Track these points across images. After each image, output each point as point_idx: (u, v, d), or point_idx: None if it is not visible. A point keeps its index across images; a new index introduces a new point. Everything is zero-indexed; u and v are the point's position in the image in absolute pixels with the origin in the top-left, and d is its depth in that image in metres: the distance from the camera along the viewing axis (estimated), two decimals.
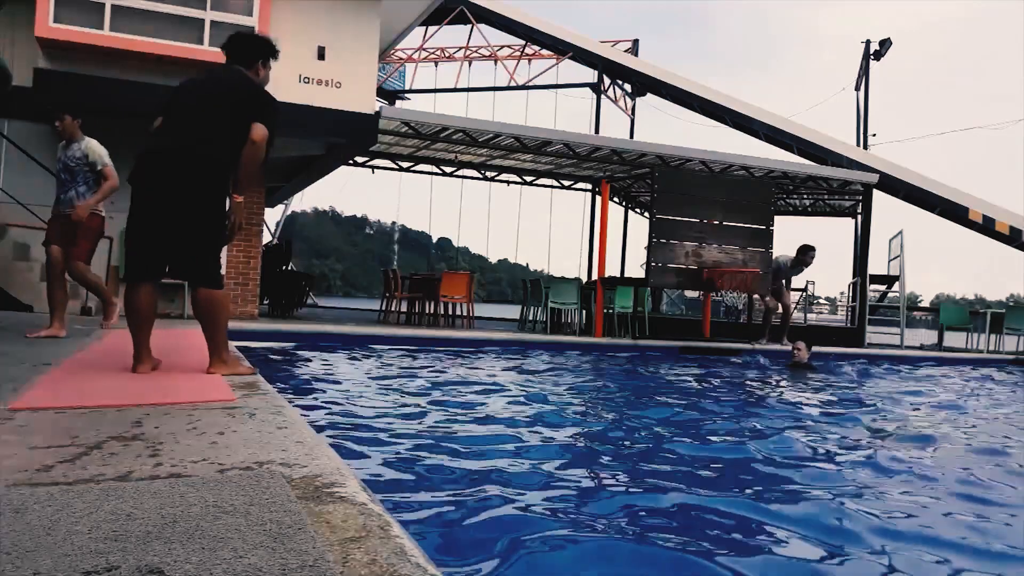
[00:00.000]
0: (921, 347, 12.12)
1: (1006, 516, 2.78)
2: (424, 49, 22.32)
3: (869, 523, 2.59)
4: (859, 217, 13.97)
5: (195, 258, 3.36)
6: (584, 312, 11.43)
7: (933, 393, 6.94)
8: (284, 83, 8.18)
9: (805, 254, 10.59)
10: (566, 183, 15.23)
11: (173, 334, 5.28)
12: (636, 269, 15.21)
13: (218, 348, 3.46)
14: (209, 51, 7.44)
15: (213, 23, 7.63)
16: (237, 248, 8.78)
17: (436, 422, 3.98)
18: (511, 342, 8.97)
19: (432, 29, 21.05)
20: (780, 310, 10.95)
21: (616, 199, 15.55)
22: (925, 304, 28.69)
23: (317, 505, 1.50)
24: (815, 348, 8.73)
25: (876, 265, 12.92)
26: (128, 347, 3.44)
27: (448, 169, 14.25)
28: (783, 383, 7.09)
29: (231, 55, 3.57)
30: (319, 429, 3.28)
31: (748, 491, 2.96)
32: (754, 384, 6.88)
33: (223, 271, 3.66)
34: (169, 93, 3.56)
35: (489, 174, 14.64)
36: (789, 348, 8.75)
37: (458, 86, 21.96)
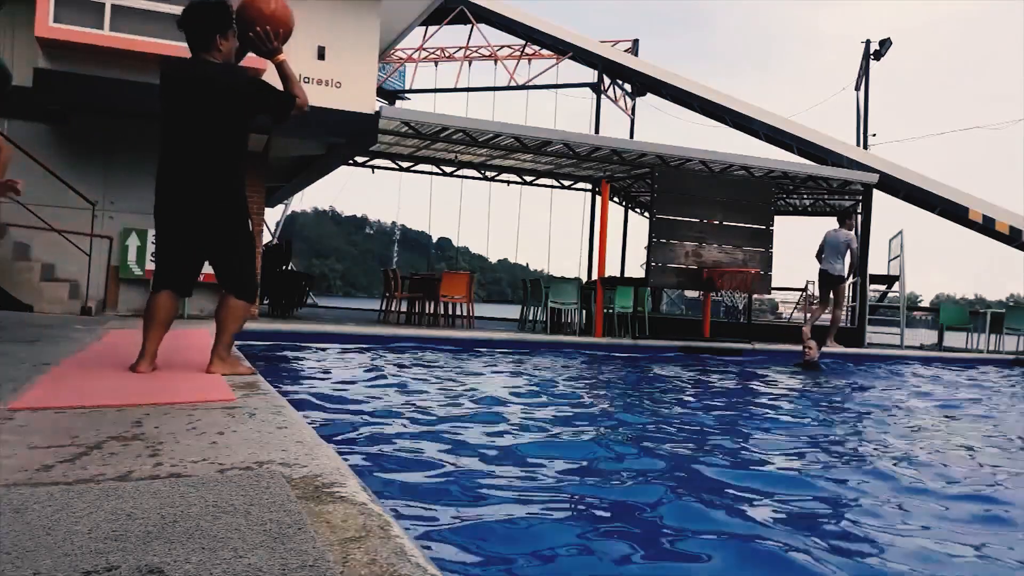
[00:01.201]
0: (921, 347, 12.12)
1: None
2: (424, 49, 22.33)
3: (876, 525, 2.59)
4: (859, 217, 13.97)
5: (232, 274, 3.45)
6: (584, 312, 11.43)
7: (933, 393, 6.93)
8: None
9: (851, 217, 10.50)
10: (566, 183, 15.23)
11: (173, 334, 5.26)
12: (636, 269, 15.22)
13: (221, 347, 3.49)
14: None
15: None
16: None
17: (436, 422, 3.98)
18: (511, 342, 8.97)
19: (432, 29, 21.06)
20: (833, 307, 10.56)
21: (616, 199, 15.55)
22: (925, 304, 28.67)
23: (317, 505, 1.50)
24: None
25: (876, 265, 12.93)
26: (128, 347, 3.44)
27: (448, 169, 14.25)
28: (791, 384, 7.08)
29: (190, 44, 3.41)
30: (319, 429, 3.28)
31: (749, 490, 2.96)
32: (758, 384, 6.88)
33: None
34: (161, 99, 3.41)
35: (489, 174, 14.64)
36: (799, 348, 8.69)
37: (458, 86, 21.97)
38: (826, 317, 10.62)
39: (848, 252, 10.25)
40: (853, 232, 10.35)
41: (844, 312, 10.75)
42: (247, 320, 3.57)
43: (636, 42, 21.33)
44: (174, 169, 3.34)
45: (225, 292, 3.46)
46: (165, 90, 3.38)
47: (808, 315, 10.63)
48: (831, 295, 10.42)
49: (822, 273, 10.43)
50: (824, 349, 9.90)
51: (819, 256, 10.50)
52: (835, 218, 10.64)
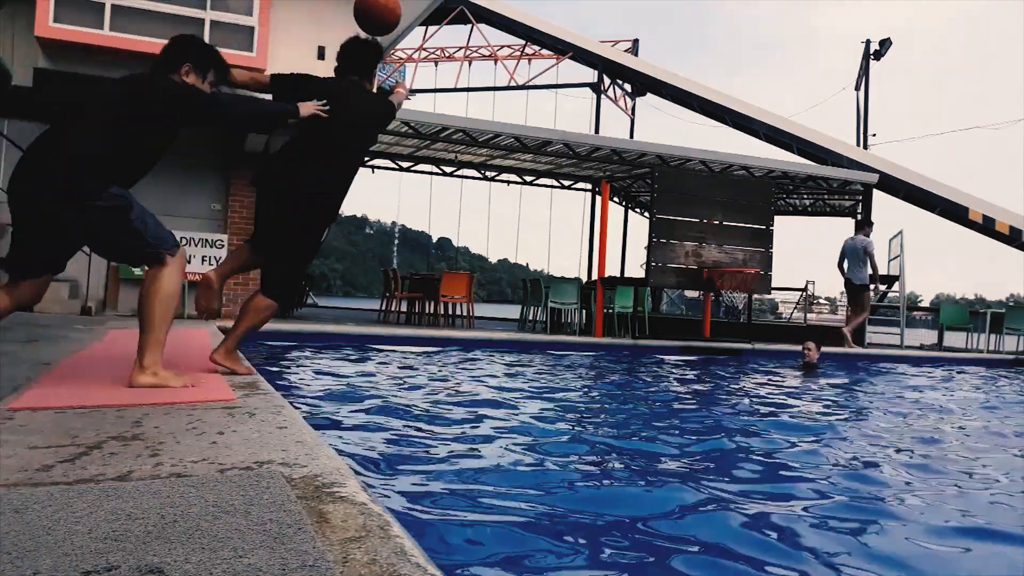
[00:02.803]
0: (921, 347, 12.11)
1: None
2: (424, 49, 22.34)
3: (875, 526, 2.59)
4: (859, 217, 13.99)
5: (280, 272, 3.59)
6: (584, 312, 11.43)
7: (934, 393, 6.94)
8: None
9: (868, 225, 10.97)
10: (566, 183, 15.24)
11: (173, 333, 5.26)
12: (636, 269, 15.23)
13: (232, 339, 3.55)
14: None
15: (213, 23, 7.63)
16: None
17: (436, 422, 3.98)
18: (511, 342, 8.97)
19: (432, 29, 21.07)
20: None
21: (616, 199, 15.56)
22: (925, 304, 28.70)
23: (317, 505, 1.50)
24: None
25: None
26: (129, 347, 3.44)
27: (448, 169, 14.25)
28: (792, 384, 7.08)
29: (354, 70, 3.70)
30: (319, 429, 3.28)
31: (749, 492, 2.96)
32: (758, 385, 6.87)
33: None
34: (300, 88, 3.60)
35: (489, 174, 14.64)
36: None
37: (458, 86, 21.99)
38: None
39: (867, 258, 10.56)
40: (871, 237, 10.74)
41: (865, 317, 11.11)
42: (268, 320, 3.64)
43: (636, 42, 21.35)
44: (305, 168, 3.47)
45: (261, 288, 3.57)
46: (334, 97, 3.55)
47: (847, 325, 11.01)
48: (860, 301, 10.83)
49: (847, 282, 10.81)
50: (833, 351, 10.04)
51: (840, 266, 10.88)
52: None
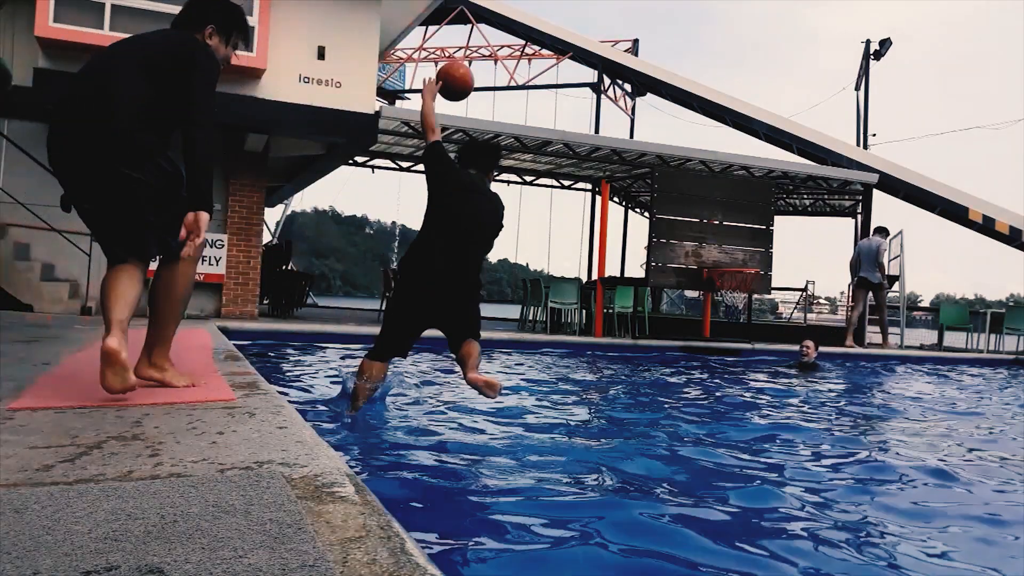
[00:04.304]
0: (921, 347, 12.11)
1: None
2: (424, 49, 22.33)
3: (870, 526, 2.59)
4: (859, 217, 13.98)
5: (470, 323, 4.04)
6: (584, 312, 11.43)
7: (933, 393, 6.94)
8: (284, 83, 8.18)
9: (883, 230, 11.30)
10: (566, 183, 15.23)
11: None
12: (636, 269, 15.23)
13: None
14: None
15: None
16: (237, 248, 8.78)
17: (435, 422, 3.99)
18: (511, 342, 8.97)
19: (432, 29, 21.06)
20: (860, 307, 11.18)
21: (616, 199, 15.55)
22: (925, 304, 28.70)
23: (317, 505, 1.50)
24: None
25: None
26: (129, 347, 3.43)
27: None
28: (791, 384, 7.08)
29: (482, 168, 3.94)
30: (318, 429, 3.28)
31: (748, 493, 2.96)
32: (758, 384, 6.87)
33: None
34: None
35: None
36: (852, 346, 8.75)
37: None
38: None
39: (879, 256, 10.99)
40: (885, 239, 11.08)
41: (885, 314, 11.43)
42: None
43: (636, 42, 21.35)
44: (450, 268, 3.76)
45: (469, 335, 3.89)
46: (461, 191, 3.78)
47: (848, 322, 11.30)
48: (867, 300, 11.14)
49: (863, 281, 11.08)
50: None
51: (853, 265, 11.20)
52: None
